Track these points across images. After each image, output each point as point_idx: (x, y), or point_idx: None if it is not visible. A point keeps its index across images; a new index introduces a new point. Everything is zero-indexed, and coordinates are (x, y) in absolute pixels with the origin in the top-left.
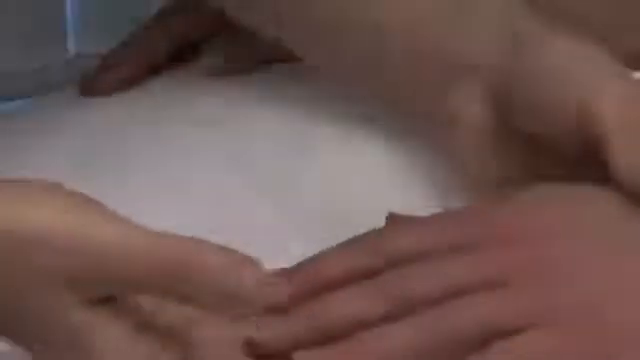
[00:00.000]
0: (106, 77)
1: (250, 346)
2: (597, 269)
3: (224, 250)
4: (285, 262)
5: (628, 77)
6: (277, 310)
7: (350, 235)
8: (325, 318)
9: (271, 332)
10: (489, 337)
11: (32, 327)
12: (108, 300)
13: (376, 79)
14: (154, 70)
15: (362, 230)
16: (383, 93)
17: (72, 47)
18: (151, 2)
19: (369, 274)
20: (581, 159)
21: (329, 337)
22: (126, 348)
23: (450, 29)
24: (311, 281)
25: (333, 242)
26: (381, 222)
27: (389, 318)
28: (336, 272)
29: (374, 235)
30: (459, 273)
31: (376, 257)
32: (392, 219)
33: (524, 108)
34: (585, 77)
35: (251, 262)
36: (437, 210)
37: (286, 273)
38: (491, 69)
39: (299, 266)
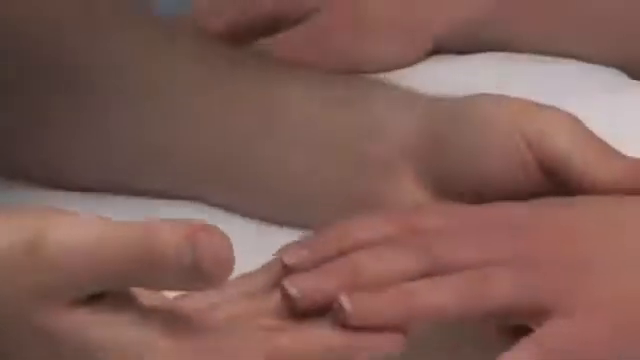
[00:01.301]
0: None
1: (285, 301)
2: (627, 266)
3: (177, 224)
4: None
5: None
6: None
7: None
8: (361, 272)
9: (304, 286)
10: (514, 313)
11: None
12: (101, 295)
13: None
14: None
15: None
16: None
17: None
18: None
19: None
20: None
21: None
22: (128, 339)
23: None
24: (338, 242)
25: None
26: None
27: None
28: (362, 237)
29: (401, 211)
30: (489, 247)
31: (403, 229)
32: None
33: (465, 171)
34: (518, 116)
35: (206, 231)
36: None
37: (310, 238)
38: (417, 149)
39: (322, 230)
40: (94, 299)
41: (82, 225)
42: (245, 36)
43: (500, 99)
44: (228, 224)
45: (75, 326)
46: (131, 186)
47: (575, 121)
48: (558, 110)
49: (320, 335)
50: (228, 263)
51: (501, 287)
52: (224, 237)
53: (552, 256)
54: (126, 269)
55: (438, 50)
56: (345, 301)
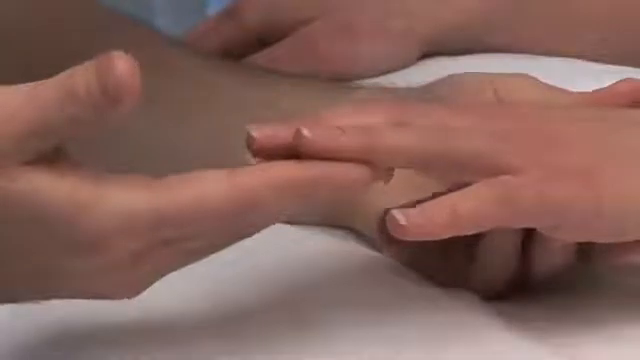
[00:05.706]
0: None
1: (250, 146)
2: (595, 141)
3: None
4: None
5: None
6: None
7: None
8: (326, 120)
9: (272, 130)
10: (476, 167)
11: None
12: (56, 156)
13: None
14: None
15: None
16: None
17: None
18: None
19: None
20: None
21: None
22: (80, 193)
23: None
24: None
25: None
26: None
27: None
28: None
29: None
30: (463, 115)
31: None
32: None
33: None
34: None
35: (108, 56)
36: None
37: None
38: None
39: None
40: (48, 159)
41: (8, 90)
42: (240, 50)
43: (470, 72)
44: None
45: (28, 185)
46: None
47: (539, 81)
48: (524, 73)
49: (282, 168)
50: (135, 86)
51: (468, 138)
52: (126, 59)
53: (524, 126)
54: (53, 114)
55: (432, 53)
56: (305, 130)
